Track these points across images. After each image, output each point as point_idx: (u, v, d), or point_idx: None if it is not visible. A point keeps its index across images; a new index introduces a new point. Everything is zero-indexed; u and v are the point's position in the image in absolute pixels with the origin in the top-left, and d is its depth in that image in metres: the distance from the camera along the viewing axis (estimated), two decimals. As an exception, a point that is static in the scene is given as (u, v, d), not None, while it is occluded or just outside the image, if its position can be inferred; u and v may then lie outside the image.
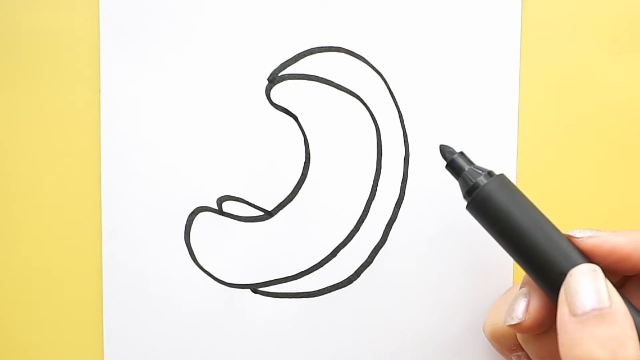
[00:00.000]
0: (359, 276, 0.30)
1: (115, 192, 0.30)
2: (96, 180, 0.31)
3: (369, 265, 0.30)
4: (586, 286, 0.22)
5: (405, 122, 0.30)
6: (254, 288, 0.31)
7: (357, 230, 0.30)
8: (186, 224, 0.30)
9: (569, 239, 0.24)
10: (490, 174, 0.25)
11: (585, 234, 0.23)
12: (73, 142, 0.31)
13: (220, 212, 0.30)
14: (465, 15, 0.30)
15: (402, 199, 0.30)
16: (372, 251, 0.30)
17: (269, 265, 0.30)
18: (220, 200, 0.30)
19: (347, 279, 0.31)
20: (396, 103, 0.30)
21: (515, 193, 0.25)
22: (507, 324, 0.25)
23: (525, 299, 0.25)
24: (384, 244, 0.30)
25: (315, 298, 0.31)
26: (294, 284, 0.31)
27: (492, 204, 0.24)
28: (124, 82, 0.30)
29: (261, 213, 0.30)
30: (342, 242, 0.30)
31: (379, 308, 0.30)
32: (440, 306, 0.30)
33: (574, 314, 0.22)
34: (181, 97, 0.30)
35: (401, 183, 0.30)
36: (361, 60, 0.30)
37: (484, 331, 0.28)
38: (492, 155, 0.30)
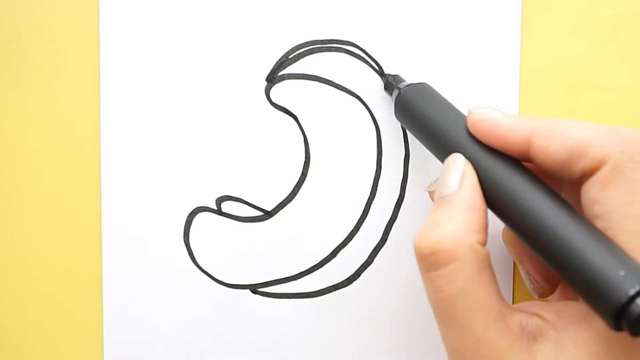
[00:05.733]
0: (359, 276, 0.30)
1: (115, 192, 0.30)
2: (96, 180, 0.31)
3: (369, 265, 0.30)
4: (443, 174, 0.23)
5: (405, 122, 0.30)
6: (254, 288, 0.31)
7: (357, 230, 0.30)
8: (185, 224, 0.30)
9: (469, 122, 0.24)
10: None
11: (476, 111, 0.23)
12: (73, 142, 0.31)
13: (219, 212, 0.30)
14: (466, 14, 0.30)
15: (402, 199, 0.30)
16: (372, 251, 0.30)
17: (268, 266, 0.30)
18: (220, 200, 0.30)
19: (347, 279, 0.31)
20: (396, 103, 0.30)
21: (430, 94, 0.26)
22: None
23: None
24: (384, 244, 0.30)
25: (315, 298, 0.31)
26: (294, 284, 0.31)
27: (410, 105, 0.26)
28: (124, 82, 0.30)
29: (261, 213, 0.30)
30: (342, 242, 0.30)
31: (379, 308, 0.30)
32: (440, 306, 0.30)
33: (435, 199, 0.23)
34: (181, 97, 0.30)
35: (401, 183, 0.30)
36: (361, 60, 0.30)
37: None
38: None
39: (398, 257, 0.30)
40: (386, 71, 0.30)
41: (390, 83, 0.29)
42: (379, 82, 0.30)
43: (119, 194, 0.30)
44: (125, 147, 0.30)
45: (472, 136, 0.23)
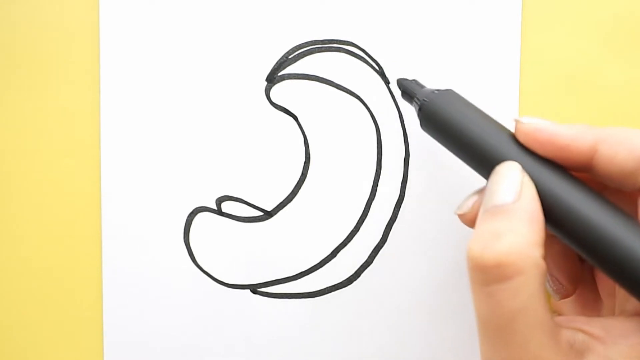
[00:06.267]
0: (359, 276, 0.30)
1: (115, 192, 0.30)
2: (96, 181, 0.31)
3: (369, 265, 0.30)
4: (496, 182, 0.22)
5: (405, 122, 0.30)
6: (254, 288, 0.31)
7: (357, 230, 0.30)
8: (185, 225, 0.30)
9: (513, 133, 0.23)
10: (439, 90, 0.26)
11: (528, 120, 0.23)
12: (73, 142, 0.31)
13: (219, 212, 0.30)
14: (466, 14, 0.30)
15: (402, 199, 0.30)
16: (372, 251, 0.30)
17: (268, 266, 0.30)
18: (220, 200, 0.30)
19: (347, 279, 0.30)
20: (396, 103, 0.30)
21: (460, 102, 0.25)
22: (454, 212, 0.25)
23: (478, 195, 0.24)
24: (384, 244, 0.30)
25: (315, 298, 0.31)
26: (294, 285, 0.31)
27: (440, 114, 0.25)
28: (124, 82, 0.30)
29: (261, 213, 0.30)
30: (342, 242, 0.30)
31: (379, 308, 0.30)
32: (440, 307, 0.30)
33: (482, 209, 0.22)
34: (181, 97, 0.30)
35: (401, 183, 0.30)
36: (361, 60, 0.30)
37: None
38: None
39: (398, 257, 0.30)
40: (386, 71, 0.30)
41: (409, 89, 0.27)
42: (379, 82, 0.30)
43: (119, 194, 0.30)
44: (125, 148, 0.30)
45: (520, 145, 0.22)
